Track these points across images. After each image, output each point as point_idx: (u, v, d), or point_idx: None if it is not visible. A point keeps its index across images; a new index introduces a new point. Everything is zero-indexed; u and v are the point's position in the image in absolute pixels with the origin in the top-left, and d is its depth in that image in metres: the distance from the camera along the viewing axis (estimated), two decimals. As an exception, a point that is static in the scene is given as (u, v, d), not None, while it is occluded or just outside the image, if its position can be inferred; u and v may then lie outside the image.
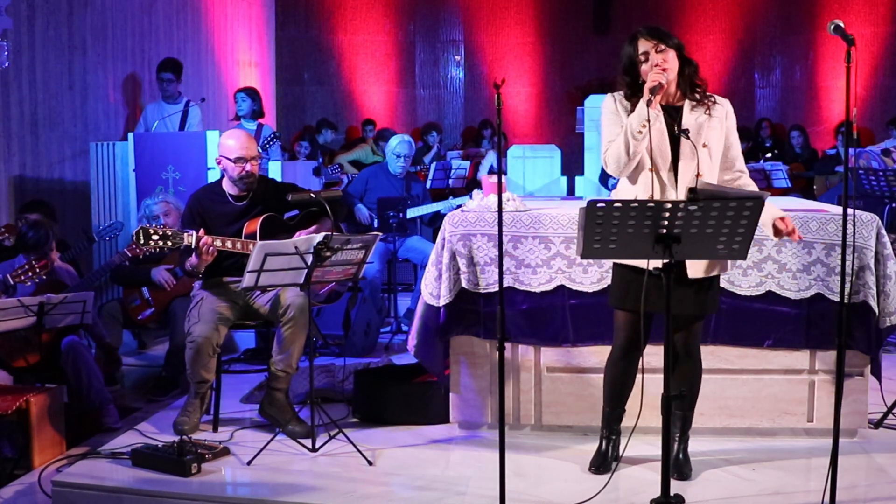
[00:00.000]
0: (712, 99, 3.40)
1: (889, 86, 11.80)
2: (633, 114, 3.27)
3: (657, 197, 3.30)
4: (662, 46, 3.30)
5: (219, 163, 4.33)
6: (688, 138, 3.29)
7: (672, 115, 3.36)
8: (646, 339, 3.46)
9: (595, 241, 2.87)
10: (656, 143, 3.30)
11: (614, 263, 3.49)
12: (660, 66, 3.27)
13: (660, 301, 3.20)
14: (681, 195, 3.29)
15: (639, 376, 3.74)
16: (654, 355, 3.61)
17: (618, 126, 3.37)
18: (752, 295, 3.89)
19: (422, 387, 4.32)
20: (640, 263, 3.27)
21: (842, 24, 3.03)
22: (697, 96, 3.38)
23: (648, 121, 3.22)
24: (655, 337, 3.51)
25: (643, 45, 3.32)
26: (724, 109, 3.41)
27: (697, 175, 3.30)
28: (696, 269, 3.31)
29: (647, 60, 3.31)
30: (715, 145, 3.36)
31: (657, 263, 3.09)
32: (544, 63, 13.06)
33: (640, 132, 3.23)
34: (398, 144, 6.56)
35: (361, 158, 9.87)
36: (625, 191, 3.44)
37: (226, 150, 4.28)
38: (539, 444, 3.95)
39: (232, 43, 10.05)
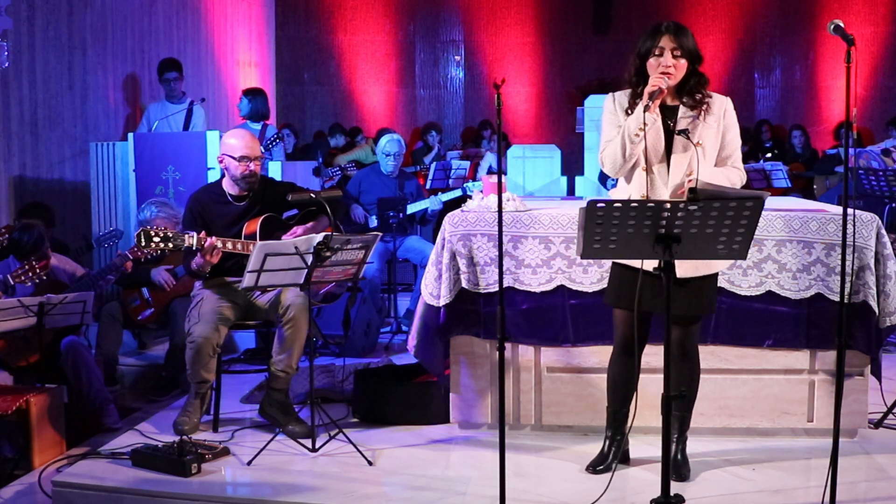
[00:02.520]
0: (708, 101, 3.38)
1: (889, 86, 11.80)
2: (632, 117, 3.28)
3: (649, 195, 3.31)
4: (680, 52, 3.29)
5: (221, 161, 4.33)
6: (687, 137, 3.30)
7: (667, 114, 3.37)
8: (644, 338, 3.46)
9: (595, 240, 2.87)
10: (652, 142, 3.31)
11: (613, 262, 3.50)
12: (665, 70, 3.25)
13: (653, 300, 3.22)
14: (670, 193, 3.31)
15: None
16: (652, 355, 3.61)
17: (615, 126, 3.38)
18: (752, 295, 3.89)
19: (422, 387, 4.32)
20: (635, 262, 3.28)
21: (842, 24, 3.03)
22: (693, 101, 3.37)
23: (645, 125, 3.23)
24: (655, 337, 3.50)
25: (665, 42, 3.28)
26: (721, 107, 3.40)
27: (689, 173, 3.31)
28: (684, 268, 3.27)
29: (660, 55, 3.29)
30: (710, 144, 3.36)
31: (654, 263, 3.09)
32: (544, 63, 13.06)
33: (637, 136, 3.25)
34: (387, 143, 6.62)
35: (361, 158, 9.87)
36: (621, 190, 3.46)
37: (229, 148, 4.28)
38: (539, 444, 3.94)
39: (232, 43, 10.05)
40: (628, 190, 3.40)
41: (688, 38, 3.31)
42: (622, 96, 3.43)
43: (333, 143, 10.48)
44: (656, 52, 3.30)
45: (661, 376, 3.46)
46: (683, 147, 3.33)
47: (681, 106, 3.36)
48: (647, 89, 3.23)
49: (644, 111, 3.21)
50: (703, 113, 3.35)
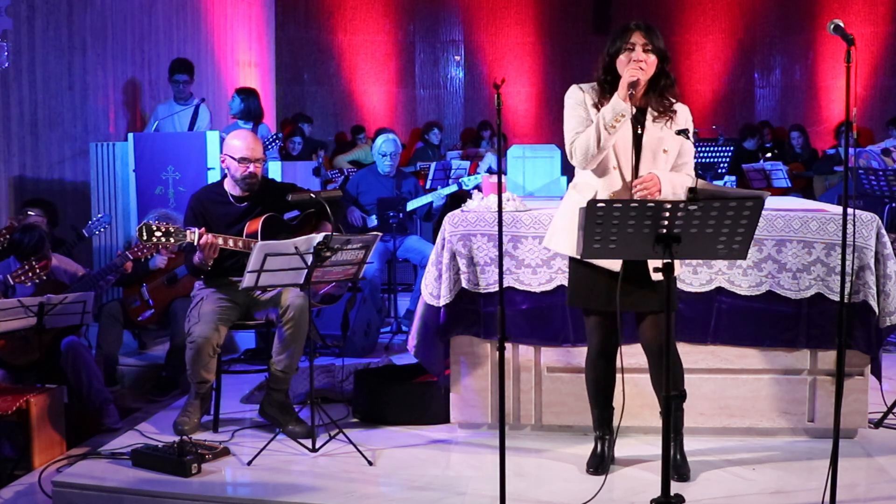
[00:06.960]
0: (674, 110, 3.42)
1: (889, 86, 11.79)
2: (607, 107, 3.28)
3: (615, 195, 3.33)
4: (650, 47, 3.31)
5: (223, 161, 4.35)
6: (687, 137, 3.31)
7: (636, 117, 3.38)
8: (618, 337, 3.47)
9: (595, 240, 2.88)
10: (620, 143, 3.34)
11: (571, 262, 3.49)
12: (638, 64, 3.28)
13: (624, 300, 3.24)
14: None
15: (634, 376, 3.74)
16: (643, 356, 3.60)
17: (582, 118, 3.39)
18: (752, 295, 3.89)
19: (422, 387, 4.32)
20: (601, 262, 3.30)
21: (842, 24, 3.03)
22: (661, 108, 3.40)
23: (623, 115, 3.24)
24: (632, 337, 3.52)
25: (636, 38, 3.32)
26: (684, 117, 3.45)
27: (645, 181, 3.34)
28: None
29: (631, 50, 3.31)
30: (672, 151, 3.41)
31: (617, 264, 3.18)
32: (544, 63, 13.05)
33: (614, 127, 3.25)
34: (382, 144, 6.64)
35: (361, 159, 9.86)
36: (584, 186, 3.43)
37: (231, 149, 4.29)
38: (539, 444, 3.95)
39: (232, 43, 10.05)
40: (595, 186, 3.39)
41: (658, 37, 3.34)
42: (590, 91, 3.43)
43: (307, 132, 10.34)
44: (628, 48, 3.32)
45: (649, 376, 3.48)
46: (652, 152, 3.36)
47: (649, 110, 3.38)
48: (626, 79, 3.24)
49: (629, 90, 3.22)
50: (669, 124, 3.39)
